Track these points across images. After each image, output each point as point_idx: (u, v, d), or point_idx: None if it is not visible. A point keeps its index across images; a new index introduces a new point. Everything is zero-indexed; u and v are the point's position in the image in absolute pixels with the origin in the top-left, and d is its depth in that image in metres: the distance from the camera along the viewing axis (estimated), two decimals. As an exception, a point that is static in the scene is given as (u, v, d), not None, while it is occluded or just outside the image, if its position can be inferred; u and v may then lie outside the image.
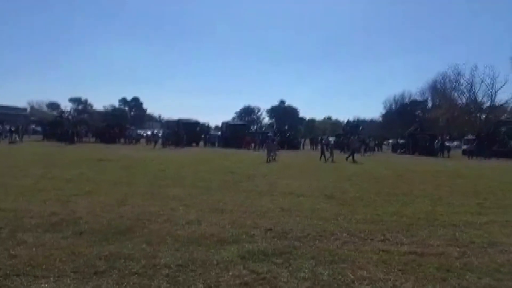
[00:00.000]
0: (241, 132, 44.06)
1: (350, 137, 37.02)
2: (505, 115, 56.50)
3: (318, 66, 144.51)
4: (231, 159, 23.62)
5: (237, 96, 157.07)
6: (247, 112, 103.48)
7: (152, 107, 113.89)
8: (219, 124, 55.38)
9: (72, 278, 4.01)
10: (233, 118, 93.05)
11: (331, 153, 24.95)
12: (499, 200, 10.43)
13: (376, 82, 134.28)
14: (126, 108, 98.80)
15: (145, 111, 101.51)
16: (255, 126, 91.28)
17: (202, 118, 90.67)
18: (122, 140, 41.15)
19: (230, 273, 4.28)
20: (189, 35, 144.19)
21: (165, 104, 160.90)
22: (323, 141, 32.80)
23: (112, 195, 8.95)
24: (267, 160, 21.64)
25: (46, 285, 3.84)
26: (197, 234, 5.83)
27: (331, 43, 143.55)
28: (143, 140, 43.23)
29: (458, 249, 5.54)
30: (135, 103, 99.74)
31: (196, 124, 46.03)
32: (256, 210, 7.77)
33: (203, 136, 44.71)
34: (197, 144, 41.68)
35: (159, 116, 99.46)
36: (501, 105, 61.69)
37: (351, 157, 24.74)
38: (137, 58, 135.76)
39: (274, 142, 25.62)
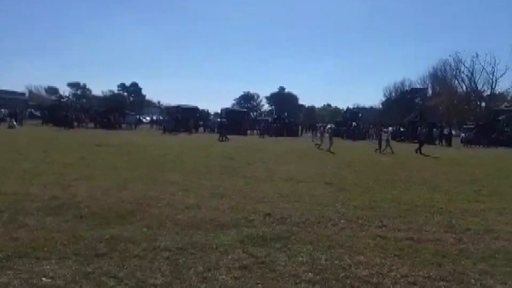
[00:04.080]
0: (240, 118, 44.12)
1: (419, 127, 31.24)
2: (505, 103, 56.49)
3: (318, 53, 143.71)
4: (230, 145, 23.66)
5: (236, 83, 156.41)
6: (247, 99, 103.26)
7: (151, 93, 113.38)
8: (219, 111, 55.33)
9: (74, 260, 4.07)
10: (233, 105, 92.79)
11: (388, 144, 22.90)
12: (496, 187, 10.51)
13: (376, 70, 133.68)
14: (125, 94, 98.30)
15: (144, 96, 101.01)
16: (255, 113, 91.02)
17: (202, 104, 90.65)
18: (122, 125, 41.18)
19: (230, 257, 4.35)
20: (188, 20, 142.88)
21: (164, 90, 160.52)
22: (379, 131, 28.72)
23: (112, 179, 9.00)
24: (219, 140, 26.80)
25: (48, 266, 3.90)
26: (197, 218, 5.88)
27: (331, 30, 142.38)
28: (142, 126, 43.22)
29: (454, 235, 5.61)
30: (134, 89, 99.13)
31: (195, 110, 45.98)
32: (255, 196, 7.82)
33: (202, 122, 44.74)
34: (197, 130, 41.66)
35: (158, 102, 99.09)
36: (501, 93, 61.74)
37: (419, 149, 22.62)
38: (136, 43, 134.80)
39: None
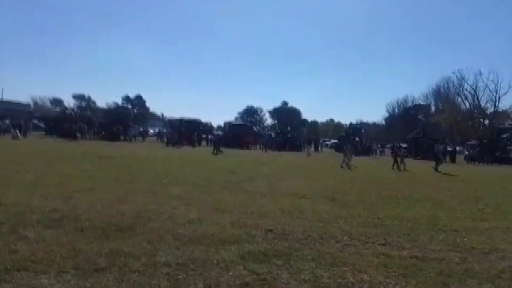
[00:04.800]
0: (243, 132, 44.30)
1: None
2: (509, 121, 56.43)
3: (322, 68, 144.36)
4: (233, 159, 23.63)
5: (240, 97, 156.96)
6: (250, 113, 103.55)
7: (155, 106, 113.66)
8: (222, 124, 55.61)
9: (73, 274, 4.02)
10: (236, 118, 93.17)
11: (402, 161, 22.85)
12: (500, 206, 10.38)
13: (379, 86, 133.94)
14: (129, 106, 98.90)
15: (148, 109, 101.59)
16: (258, 127, 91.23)
17: (205, 117, 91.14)
18: (126, 137, 41.38)
19: (230, 273, 4.28)
20: (192, 34, 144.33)
21: (168, 103, 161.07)
22: (395, 147, 29.20)
23: (113, 192, 8.97)
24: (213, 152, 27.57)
25: (46, 280, 3.85)
26: (198, 233, 5.82)
27: (334, 46, 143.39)
28: (147, 138, 43.37)
29: (459, 254, 5.52)
30: (138, 101, 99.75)
31: (198, 123, 46.17)
32: (257, 211, 7.75)
33: (205, 135, 44.87)
34: (200, 143, 41.70)
35: (162, 115, 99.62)
36: (504, 110, 61.69)
37: (436, 166, 22.40)
38: (141, 56, 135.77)
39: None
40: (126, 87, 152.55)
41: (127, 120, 52.26)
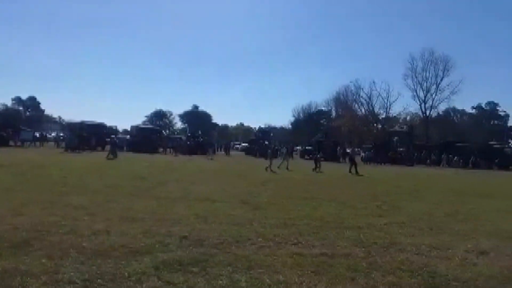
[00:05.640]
0: (152, 136, 42.87)
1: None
2: (398, 125, 63.33)
3: (232, 73, 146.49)
4: (142, 164, 22.67)
5: (148, 100, 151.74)
6: (159, 116, 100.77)
7: (52, 108, 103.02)
8: (129, 128, 53.13)
9: (-47, 303, 3.44)
10: (144, 122, 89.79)
11: (319, 164, 24.53)
12: (394, 202, 11.47)
13: (287, 92, 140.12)
14: (21, 108, 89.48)
15: (43, 111, 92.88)
16: (167, 131, 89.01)
17: (110, 121, 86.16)
18: (15, 142, 37.28)
19: (144, 286, 4.04)
20: (96, 33, 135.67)
21: (69, 106, 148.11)
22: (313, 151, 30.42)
23: (4, 204, 7.94)
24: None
25: None
26: (106, 245, 5.40)
27: (245, 52, 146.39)
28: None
29: (363, 249, 5.93)
30: (32, 103, 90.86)
31: (102, 127, 43.48)
32: (170, 218, 7.49)
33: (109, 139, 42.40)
34: (103, 148, 39.25)
35: (59, 118, 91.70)
36: (394, 116, 69.37)
37: (354, 169, 23.26)
38: (37, 55, 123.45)
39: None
40: (20, 88, 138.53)
41: (17, 123, 47.18)
